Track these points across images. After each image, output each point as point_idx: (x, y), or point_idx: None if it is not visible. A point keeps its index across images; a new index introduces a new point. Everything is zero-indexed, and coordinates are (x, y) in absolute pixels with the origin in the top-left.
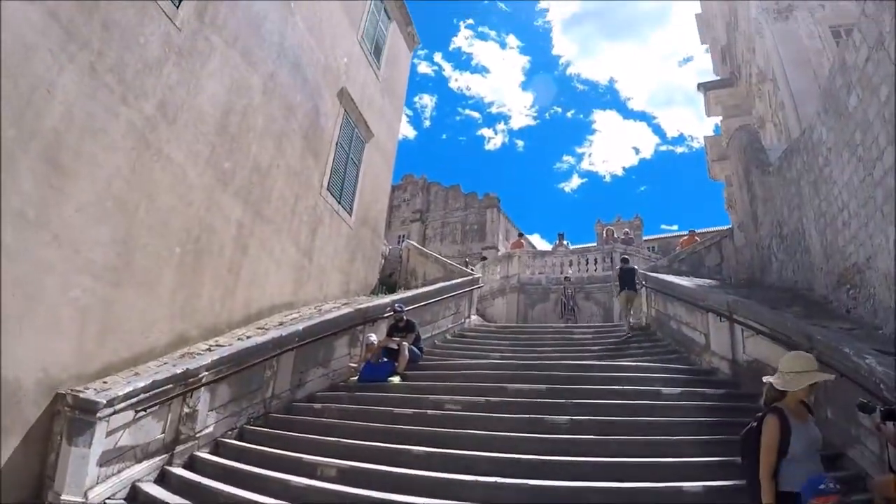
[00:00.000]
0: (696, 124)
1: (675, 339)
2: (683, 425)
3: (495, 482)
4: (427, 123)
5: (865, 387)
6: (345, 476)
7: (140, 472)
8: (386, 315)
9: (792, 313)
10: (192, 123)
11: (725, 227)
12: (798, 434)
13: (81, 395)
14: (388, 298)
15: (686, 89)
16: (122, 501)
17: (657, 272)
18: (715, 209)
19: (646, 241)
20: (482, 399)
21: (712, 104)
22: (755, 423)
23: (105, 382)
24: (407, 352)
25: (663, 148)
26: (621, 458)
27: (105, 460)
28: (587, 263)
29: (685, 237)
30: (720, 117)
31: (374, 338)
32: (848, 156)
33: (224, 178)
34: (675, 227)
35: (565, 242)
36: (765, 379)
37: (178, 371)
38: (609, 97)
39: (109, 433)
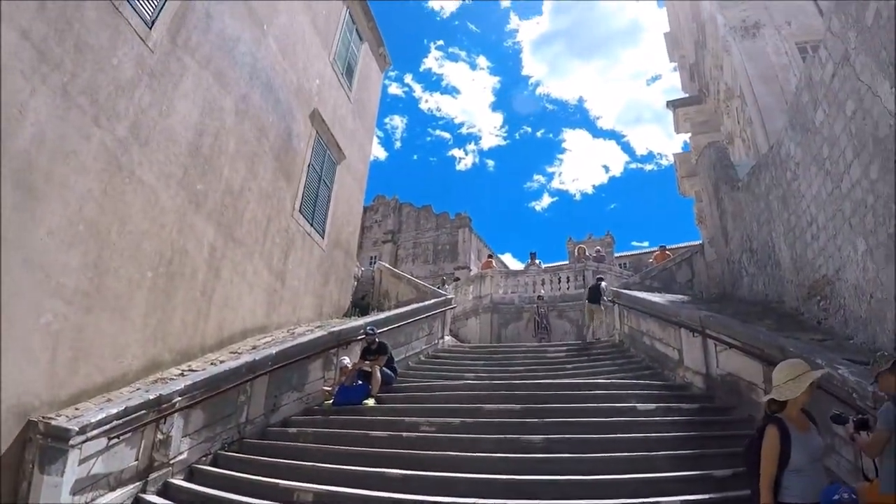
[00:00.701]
0: (665, 142)
1: (648, 356)
2: (659, 441)
3: (473, 503)
4: (398, 144)
5: (839, 396)
6: (321, 501)
7: (114, 500)
8: (359, 337)
9: (764, 326)
10: (164, 145)
11: (696, 243)
12: (799, 444)
13: (53, 422)
14: (361, 321)
15: (655, 108)
16: None
17: (630, 289)
18: (685, 225)
19: (617, 257)
20: (457, 420)
21: (681, 121)
22: (756, 434)
23: (77, 409)
24: (379, 374)
25: (633, 166)
26: (598, 475)
27: (78, 489)
28: (560, 282)
29: (657, 252)
30: (689, 134)
31: (347, 360)
32: (815, 170)
33: (196, 200)
34: (645, 244)
35: (538, 261)
36: (763, 399)
37: (151, 397)
38: (579, 116)
39: (82, 461)
